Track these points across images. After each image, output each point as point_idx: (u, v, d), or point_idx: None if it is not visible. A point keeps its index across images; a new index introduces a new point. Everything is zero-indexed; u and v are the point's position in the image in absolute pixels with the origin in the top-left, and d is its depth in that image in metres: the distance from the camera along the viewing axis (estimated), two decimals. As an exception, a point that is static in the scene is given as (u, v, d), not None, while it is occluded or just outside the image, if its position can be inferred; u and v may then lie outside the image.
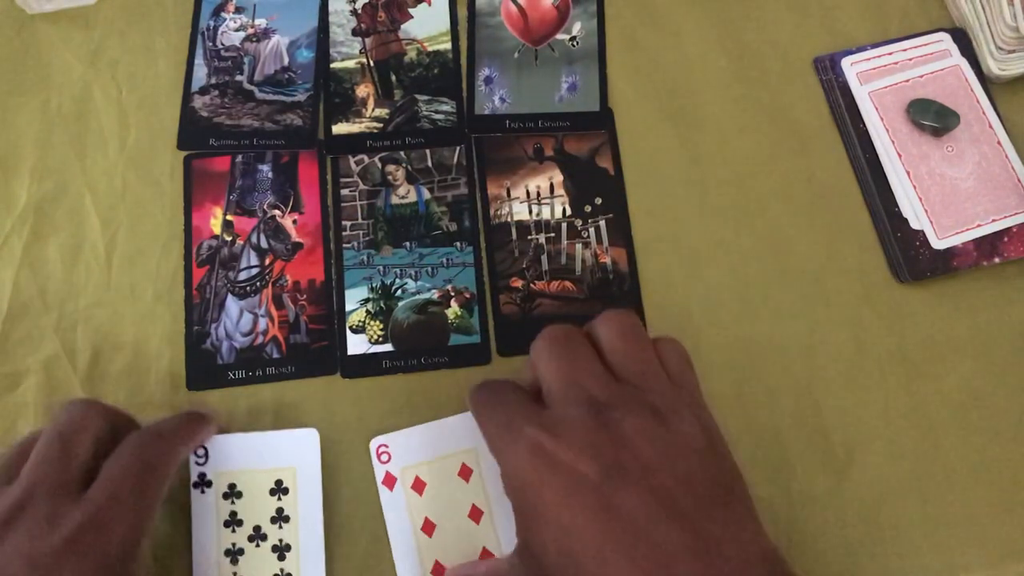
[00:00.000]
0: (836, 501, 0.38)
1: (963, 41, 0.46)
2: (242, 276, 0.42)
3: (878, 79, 0.46)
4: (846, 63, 0.46)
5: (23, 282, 0.42)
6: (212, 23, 0.47)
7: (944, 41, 0.47)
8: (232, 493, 0.37)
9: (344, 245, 0.43)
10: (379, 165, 0.44)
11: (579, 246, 0.43)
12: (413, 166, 0.44)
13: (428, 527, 0.37)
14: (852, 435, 0.40)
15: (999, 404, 0.40)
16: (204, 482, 0.37)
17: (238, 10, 0.48)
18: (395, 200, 0.44)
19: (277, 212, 0.43)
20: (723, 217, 0.44)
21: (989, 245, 0.43)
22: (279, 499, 0.37)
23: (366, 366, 0.40)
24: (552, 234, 0.43)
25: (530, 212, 0.44)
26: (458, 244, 0.43)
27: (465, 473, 0.38)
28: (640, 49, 0.47)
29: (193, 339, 0.41)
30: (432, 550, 0.37)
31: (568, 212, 0.44)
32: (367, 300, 0.42)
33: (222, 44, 0.47)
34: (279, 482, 0.37)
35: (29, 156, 0.44)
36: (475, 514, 0.37)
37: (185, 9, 0.47)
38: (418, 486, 0.37)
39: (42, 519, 0.30)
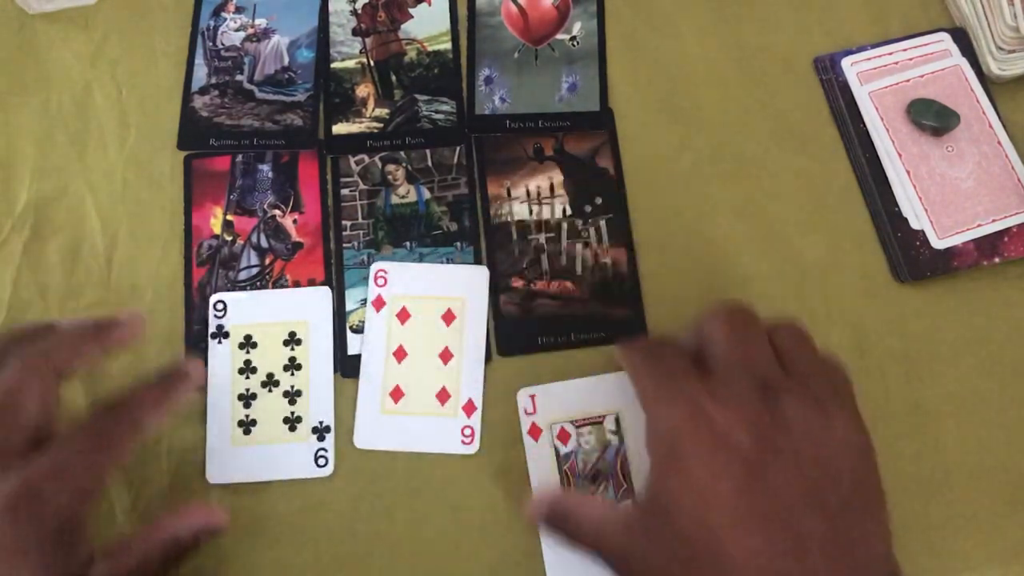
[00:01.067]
0: (836, 501, 0.38)
1: (963, 41, 0.47)
2: (242, 276, 0.42)
3: (878, 79, 0.46)
4: (846, 63, 0.46)
5: (23, 282, 0.42)
6: (212, 23, 0.47)
7: (944, 41, 0.47)
8: (248, 343, 0.40)
9: (344, 245, 0.43)
10: (379, 165, 0.44)
11: (579, 246, 0.43)
12: (413, 166, 0.44)
13: (400, 353, 0.39)
14: (852, 435, 0.40)
15: (999, 404, 0.40)
16: (222, 333, 0.40)
17: (238, 10, 0.48)
18: (395, 200, 0.44)
19: (277, 212, 0.43)
20: (723, 217, 0.44)
21: (989, 245, 0.43)
22: (292, 349, 0.40)
23: (366, 366, 0.40)
24: (552, 234, 0.43)
25: (530, 212, 0.44)
26: (458, 244, 0.43)
27: (448, 318, 0.40)
28: (640, 49, 0.47)
29: (193, 339, 0.41)
30: (396, 375, 0.39)
31: (568, 212, 0.44)
32: (367, 300, 0.42)
33: (222, 44, 0.47)
34: (292, 334, 0.40)
35: (29, 156, 0.44)
36: (445, 356, 0.40)
37: (185, 9, 0.47)
38: (403, 315, 0.40)
39: None
